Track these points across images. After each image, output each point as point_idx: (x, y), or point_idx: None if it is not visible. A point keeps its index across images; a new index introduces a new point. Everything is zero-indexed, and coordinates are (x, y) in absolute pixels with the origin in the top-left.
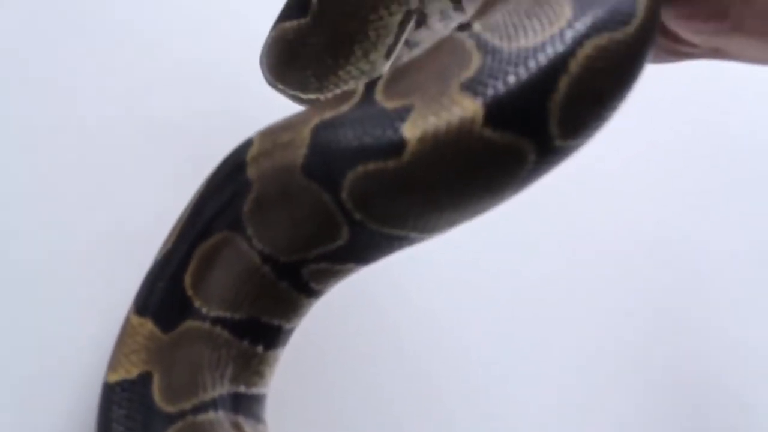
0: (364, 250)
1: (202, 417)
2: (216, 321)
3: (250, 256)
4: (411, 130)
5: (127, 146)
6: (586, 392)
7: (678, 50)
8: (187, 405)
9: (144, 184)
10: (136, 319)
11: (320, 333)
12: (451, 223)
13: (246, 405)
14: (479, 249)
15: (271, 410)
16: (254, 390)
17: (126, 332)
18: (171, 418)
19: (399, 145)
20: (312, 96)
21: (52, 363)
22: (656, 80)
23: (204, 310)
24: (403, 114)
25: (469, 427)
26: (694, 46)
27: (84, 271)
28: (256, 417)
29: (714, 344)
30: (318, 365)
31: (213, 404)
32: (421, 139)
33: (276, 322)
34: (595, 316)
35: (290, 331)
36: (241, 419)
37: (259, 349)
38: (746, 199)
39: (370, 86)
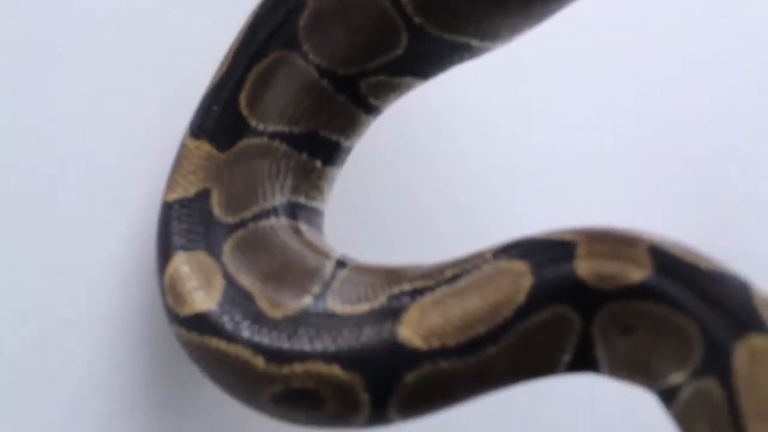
0: (422, 60)
1: (263, 223)
2: (274, 135)
3: (307, 71)
4: None
5: None
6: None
7: None
8: (247, 214)
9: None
10: (192, 142)
11: (367, 166)
12: (513, 27)
13: (306, 215)
14: (528, 102)
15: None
16: (313, 203)
17: (182, 155)
18: (232, 228)
19: None
20: None
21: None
22: None
23: (261, 127)
24: None
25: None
26: None
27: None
28: (317, 227)
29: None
30: (366, 189)
31: (274, 211)
32: None
33: (334, 137)
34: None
35: (347, 150)
36: (302, 225)
37: (318, 163)
38: None
39: None
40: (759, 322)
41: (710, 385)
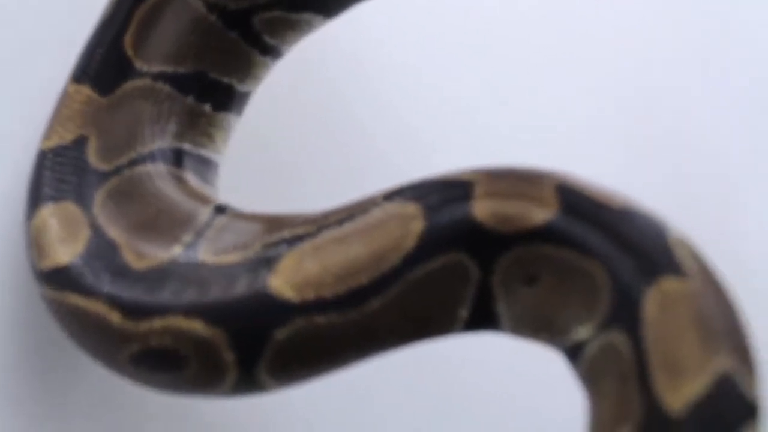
0: None
1: (139, 169)
2: (158, 76)
3: (195, 6)
4: None
5: None
6: None
7: None
8: (123, 160)
9: None
10: (72, 87)
11: (273, 114)
12: None
13: (192, 164)
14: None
15: (226, 182)
16: (202, 152)
17: (62, 102)
18: (106, 175)
19: None
20: None
21: None
22: None
23: (145, 68)
24: None
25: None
26: None
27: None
28: (205, 179)
29: None
30: (273, 139)
31: (151, 156)
32: None
33: (226, 80)
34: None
35: (244, 96)
36: (187, 174)
37: (207, 107)
38: None
39: None
40: (672, 263)
41: (618, 338)
